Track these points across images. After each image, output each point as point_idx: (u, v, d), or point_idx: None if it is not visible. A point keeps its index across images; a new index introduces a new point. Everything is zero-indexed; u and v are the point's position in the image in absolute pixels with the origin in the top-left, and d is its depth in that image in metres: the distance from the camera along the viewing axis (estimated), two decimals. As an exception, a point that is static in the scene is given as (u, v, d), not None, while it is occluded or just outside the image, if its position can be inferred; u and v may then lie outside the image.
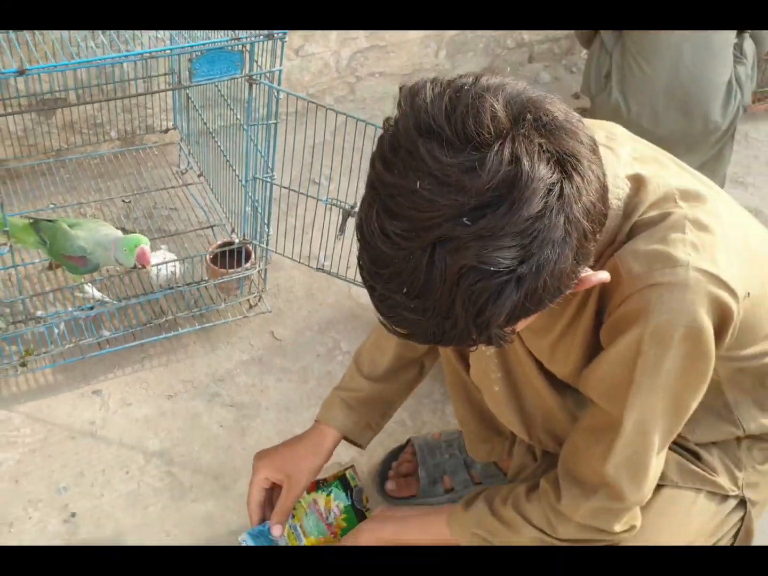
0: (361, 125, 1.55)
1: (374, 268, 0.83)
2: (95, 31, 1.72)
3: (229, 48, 1.34)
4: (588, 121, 1.03)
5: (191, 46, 1.33)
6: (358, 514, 1.40)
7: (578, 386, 1.13)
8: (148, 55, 1.43)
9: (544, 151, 0.78)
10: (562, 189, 0.79)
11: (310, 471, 1.34)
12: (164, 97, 2.08)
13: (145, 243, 1.55)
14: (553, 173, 0.78)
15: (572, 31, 2.52)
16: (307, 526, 1.37)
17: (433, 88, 0.82)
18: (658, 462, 1.10)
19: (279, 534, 1.33)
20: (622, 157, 1.02)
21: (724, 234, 0.99)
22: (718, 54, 2.11)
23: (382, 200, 0.81)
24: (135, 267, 1.56)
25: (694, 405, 1.05)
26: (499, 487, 1.25)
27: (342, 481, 1.41)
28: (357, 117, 1.56)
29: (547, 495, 1.16)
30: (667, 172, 1.04)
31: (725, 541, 1.26)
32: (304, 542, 1.35)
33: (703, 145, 2.19)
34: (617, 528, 1.13)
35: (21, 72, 1.20)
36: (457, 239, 0.77)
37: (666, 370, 0.99)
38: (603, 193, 0.87)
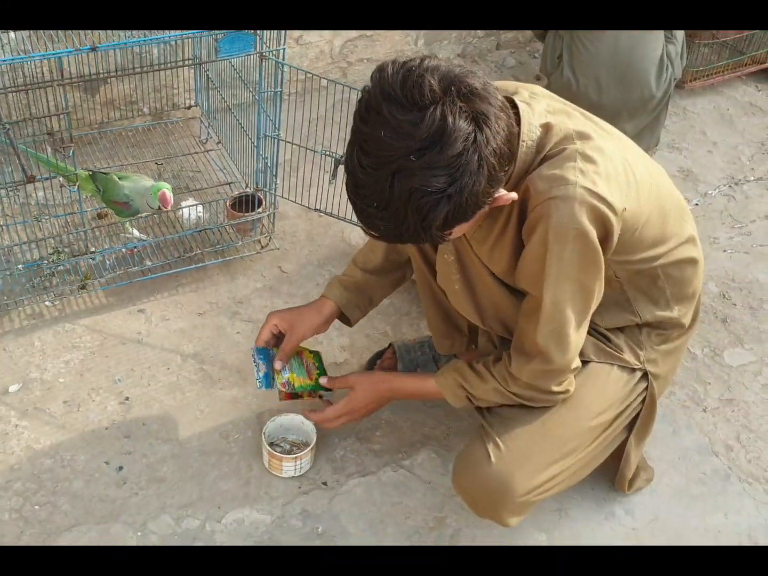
0: (353, 100, 1.97)
1: (355, 190, 1.26)
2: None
3: (247, 30, 1.75)
4: (518, 84, 1.47)
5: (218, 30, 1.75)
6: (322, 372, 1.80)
7: (513, 281, 1.54)
8: (180, 37, 1.84)
9: (463, 111, 1.20)
10: (476, 137, 1.20)
11: (310, 325, 1.74)
12: (188, 78, 2.50)
13: (166, 188, 1.96)
14: (469, 126, 1.20)
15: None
16: (294, 367, 1.76)
17: (393, 67, 1.23)
18: (577, 335, 1.46)
19: (279, 367, 1.72)
20: (537, 110, 1.40)
21: (605, 164, 1.37)
22: (650, 34, 2.52)
23: (359, 144, 1.24)
24: (159, 209, 1.97)
25: (596, 288, 1.43)
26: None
27: (317, 355, 1.82)
28: (351, 86, 1.98)
29: (504, 361, 1.53)
30: (572, 120, 1.42)
31: (636, 405, 1.63)
32: (287, 376, 1.73)
33: (642, 112, 2.59)
34: (554, 388, 1.51)
35: (93, 48, 1.61)
36: (407, 169, 1.19)
37: (567, 260, 1.37)
38: (509, 139, 1.27)
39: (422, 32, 2.88)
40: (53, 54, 1.59)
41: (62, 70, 1.62)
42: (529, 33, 3.11)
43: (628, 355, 1.61)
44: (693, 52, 2.90)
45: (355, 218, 2.14)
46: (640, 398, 1.64)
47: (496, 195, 1.30)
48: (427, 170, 1.19)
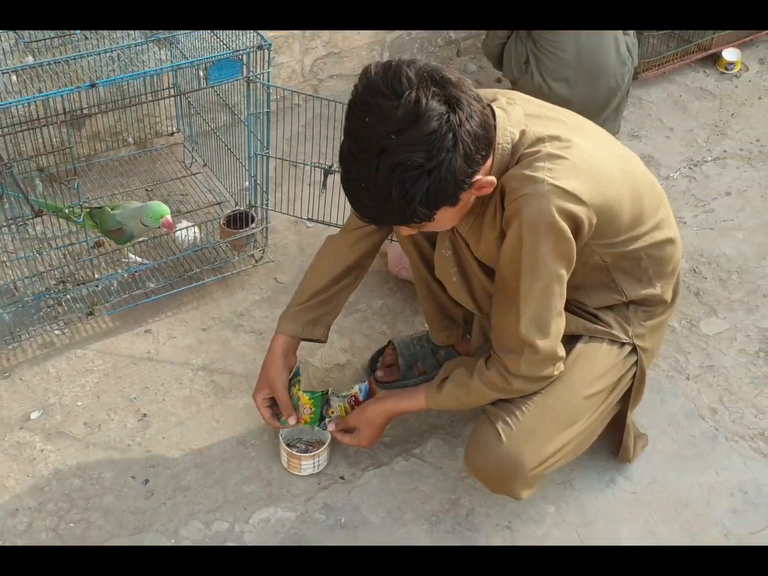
0: (325, 114, 2.09)
1: (347, 176, 1.39)
2: (110, 58, 2.23)
3: (233, 57, 1.86)
4: (497, 91, 1.59)
5: (206, 58, 1.86)
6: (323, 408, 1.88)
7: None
8: (169, 69, 1.94)
9: (436, 95, 1.33)
10: (449, 117, 1.33)
11: (278, 377, 1.80)
12: (169, 107, 2.59)
13: (166, 213, 2.05)
14: (442, 107, 1.33)
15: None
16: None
17: (375, 65, 1.37)
18: (557, 321, 1.56)
19: (293, 423, 1.82)
20: (513, 115, 1.52)
21: (574, 160, 1.48)
22: (607, 32, 2.67)
23: (349, 133, 1.38)
24: (159, 227, 2.05)
25: (564, 274, 1.52)
26: (464, 361, 1.73)
27: (317, 399, 1.86)
28: (337, 100, 2.09)
29: (498, 360, 1.62)
30: (545, 124, 1.54)
31: (627, 378, 1.74)
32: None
33: (609, 104, 2.74)
34: (554, 372, 1.62)
35: (93, 85, 1.71)
36: (389, 148, 1.32)
37: (541, 252, 1.48)
38: (484, 125, 1.39)
39: (386, 46, 3.00)
40: (56, 93, 1.68)
41: (65, 108, 1.70)
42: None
43: (617, 331, 1.72)
44: (643, 44, 3.06)
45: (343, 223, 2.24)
46: (631, 372, 1.75)
47: (477, 178, 1.41)
48: (405, 146, 1.32)
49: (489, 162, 1.46)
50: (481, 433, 1.67)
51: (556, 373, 1.62)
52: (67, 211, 1.99)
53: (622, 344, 1.73)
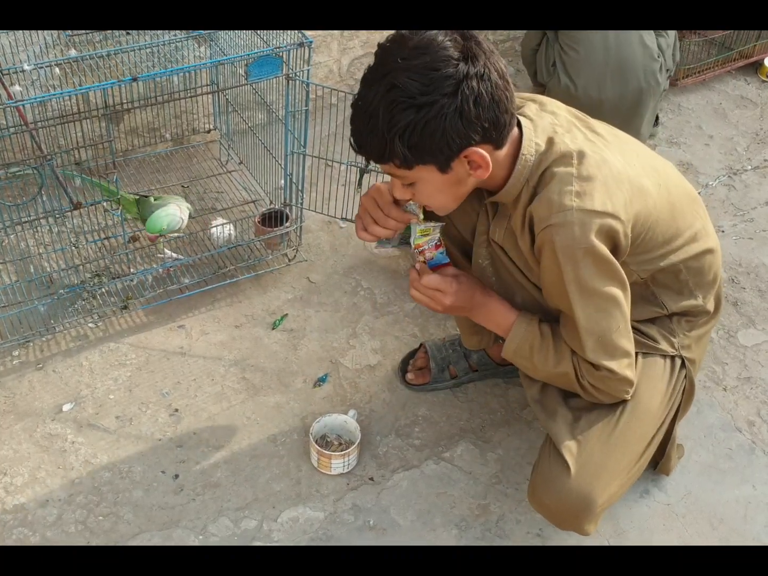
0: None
1: (355, 104, 1.38)
2: (151, 52, 2.24)
3: (274, 54, 1.86)
4: (533, 96, 1.56)
5: (247, 55, 1.85)
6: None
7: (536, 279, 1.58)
8: (208, 65, 1.94)
9: (456, 42, 1.33)
10: (457, 65, 1.31)
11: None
12: (206, 104, 2.60)
13: (157, 231, 2.06)
14: (456, 53, 1.32)
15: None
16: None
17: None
18: (624, 340, 1.51)
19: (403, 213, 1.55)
20: (540, 126, 1.48)
21: (605, 177, 1.43)
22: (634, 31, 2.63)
23: (365, 74, 1.37)
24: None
25: (621, 291, 1.47)
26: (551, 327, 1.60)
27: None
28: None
29: (586, 362, 1.52)
30: (574, 136, 1.49)
31: (678, 393, 1.68)
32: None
33: (644, 104, 2.70)
34: (627, 396, 1.57)
35: (134, 79, 1.71)
36: (393, 70, 1.32)
37: (584, 276, 1.44)
38: (496, 97, 1.35)
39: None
40: (98, 86, 1.69)
41: (106, 101, 1.71)
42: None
43: (663, 344, 1.67)
44: (683, 50, 3.02)
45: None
46: (681, 386, 1.70)
47: (470, 149, 1.37)
48: (405, 71, 1.31)
49: (491, 148, 1.40)
50: (547, 467, 1.59)
51: (627, 397, 1.58)
52: (122, 195, 2.01)
53: (672, 358, 1.67)
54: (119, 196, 1.91)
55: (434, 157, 1.36)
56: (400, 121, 1.32)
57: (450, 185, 1.43)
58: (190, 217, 2.16)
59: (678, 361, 1.68)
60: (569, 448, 1.56)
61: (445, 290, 1.58)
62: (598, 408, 1.60)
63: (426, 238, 1.57)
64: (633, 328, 1.64)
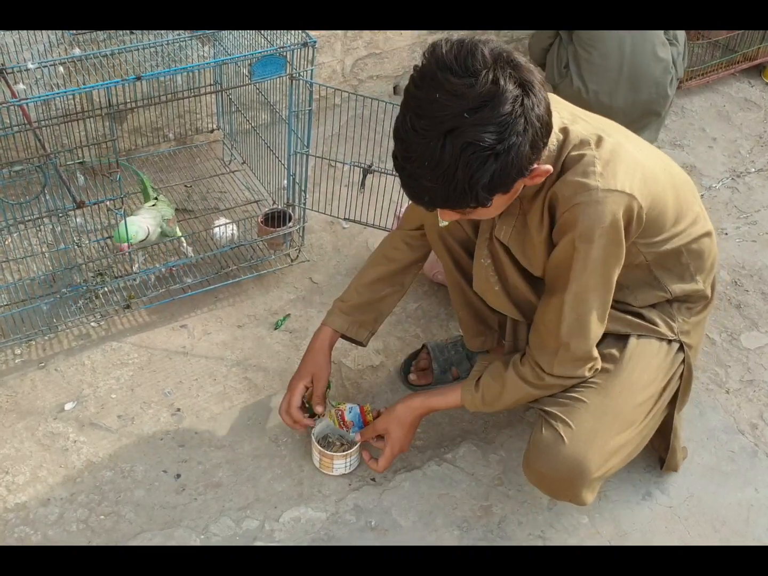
0: (364, 115, 2.07)
1: (406, 154, 1.33)
2: (154, 51, 2.24)
3: (278, 54, 1.85)
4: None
5: (251, 54, 1.85)
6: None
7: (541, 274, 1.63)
8: (212, 64, 1.94)
9: (512, 77, 1.30)
10: (523, 100, 1.30)
11: (325, 367, 1.83)
12: (209, 104, 2.60)
13: (126, 241, 2.01)
14: (518, 90, 1.30)
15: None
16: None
17: (446, 42, 1.32)
18: (597, 326, 1.57)
19: (321, 411, 1.83)
20: (555, 117, 1.48)
21: (623, 161, 1.48)
22: (652, 37, 2.64)
23: (412, 109, 1.32)
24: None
25: (615, 278, 1.53)
26: (498, 358, 1.74)
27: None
28: (380, 99, 2.08)
29: (533, 358, 1.63)
30: (586, 125, 1.53)
31: (676, 378, 1.72)
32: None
33: (651, 112, 2.71)
34: (586, 373, 1.62)
35: (138, 78, 1.71)
36: (460, 127, 1.28)
37: (593, 257, 1.48)
38: (548, 110, 1.37)
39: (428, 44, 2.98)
40: (102, 85, 1.68)
41: (109, 100, 1.71)
42: (527, 43, 3.21)
43: (663, 328, 1.71)
44: (687, 52, 3.01)
45: (382, 224, 2.24)
46: (679, 372, 1.73)
47: (535, 166, 1.39)
48: (478, 127, 1.27)
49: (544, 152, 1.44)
50: (540, 437, 1.63)
51: (587, 374, 1.63)
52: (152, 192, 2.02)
53: (670, 342, 1.72)
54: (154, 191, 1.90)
55: (506, 186, 1.37)
56: (484, 175, 1.30)
57: (507, 199, 1.45)
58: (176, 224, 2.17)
59: (675, 345, 1.72)
60: (561, 418, 1.62)
61: (397, 450, 1.79)
62: (589, 381, 1.65)
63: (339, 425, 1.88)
64: (635, 313, 1.72)
